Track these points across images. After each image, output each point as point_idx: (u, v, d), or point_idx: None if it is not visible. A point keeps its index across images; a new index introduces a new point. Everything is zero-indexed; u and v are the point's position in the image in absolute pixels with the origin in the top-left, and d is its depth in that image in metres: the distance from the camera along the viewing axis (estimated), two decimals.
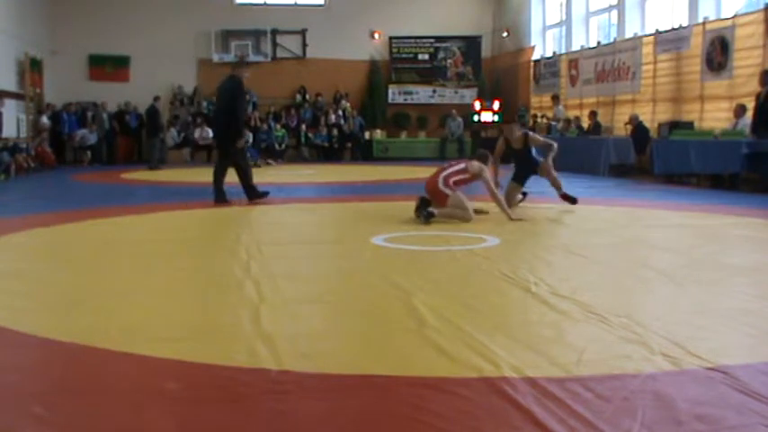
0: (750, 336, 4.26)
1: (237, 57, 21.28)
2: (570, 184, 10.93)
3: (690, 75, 17.17)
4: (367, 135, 25.92)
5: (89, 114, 24.15)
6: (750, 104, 14.33)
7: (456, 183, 9.20)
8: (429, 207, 8.96)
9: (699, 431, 2.91)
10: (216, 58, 25.55)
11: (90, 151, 23.65)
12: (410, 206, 9.33)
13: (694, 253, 7.18)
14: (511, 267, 6.12)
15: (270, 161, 22.55)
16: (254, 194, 11.58)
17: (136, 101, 24.33)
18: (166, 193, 13.82)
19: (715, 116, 16.16)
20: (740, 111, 14.66)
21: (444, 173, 9.30)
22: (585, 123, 20.17)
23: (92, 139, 23.64)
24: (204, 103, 25.10)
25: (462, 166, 9.49)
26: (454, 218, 8.98)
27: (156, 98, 22.19)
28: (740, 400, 3.20)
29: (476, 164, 9.40)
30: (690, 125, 16.22)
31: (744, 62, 15.39)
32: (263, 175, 17.63)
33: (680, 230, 8.69)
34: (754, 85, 14.42)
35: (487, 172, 9.41)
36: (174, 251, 7.37)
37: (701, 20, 16.80)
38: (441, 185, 9.13)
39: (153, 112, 21.70)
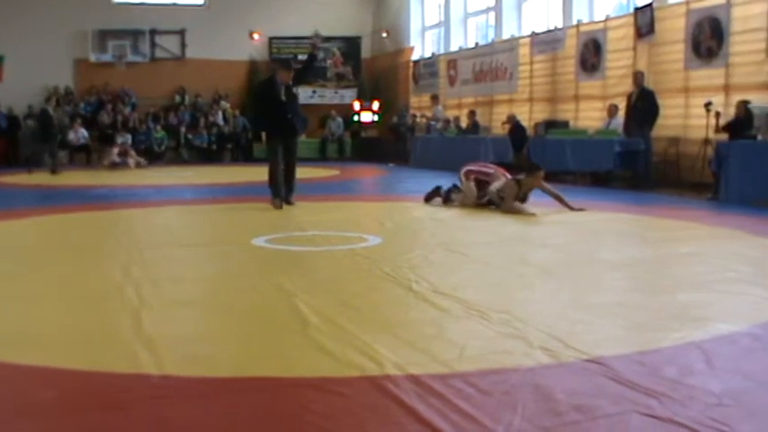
0: (624, 328, 4.39)
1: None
2: (449, 184, 11.06)
3: (565, 75, 17.60)
4: (248, 135, 25.64)
5: None
6: (622, 104, 14.79)
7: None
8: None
9: (576, 421, 2.97)
10: (93, 58, 24.94)
11: None
12: (291, 206, 9.34)
13: (571, 249, 7.36)
14: (392, 266, 6.15)
15: (141, 161, 21.69)
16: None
17: (10, 102, 23.50)
18: (41, 196, 13.44)
19: (589, 115, 16.61)
20: (613, 110, 15.12)
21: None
22: (464, 123, 20.44)
23: None
24: (81, 104, 24.46)
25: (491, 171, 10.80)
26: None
27: (48, 99, 21.29)
28: (615, 390, 3.29)
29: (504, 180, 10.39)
30: (565, 124, 16.63)
31: (616, 63, 15.87)
32: (141, 178, 17.33)
33: (558, 227, 8.89)
34: (626, 86, 14.89)
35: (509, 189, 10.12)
36: (51, 257, 7.14)
37: (575, 22, 17.25)
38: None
39: (45, 116, 20.23)
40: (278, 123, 10.67)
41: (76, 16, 24.54)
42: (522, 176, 10.24)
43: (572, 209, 10.03)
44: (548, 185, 10.42)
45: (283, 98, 10.69)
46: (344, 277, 5.99)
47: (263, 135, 11.07)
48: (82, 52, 25.04)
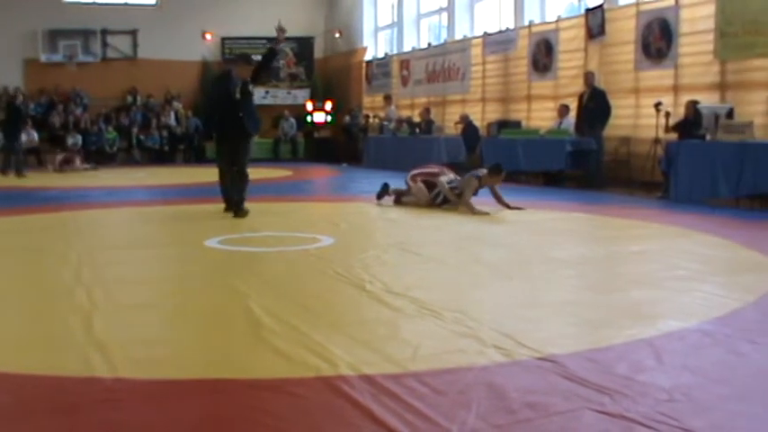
0: (576, 325, 4.43)
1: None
2: (401, 184, 11.09)
3: (517, 75, 17.70)
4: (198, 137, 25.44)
5: None
6: (573, 104, 14.92)
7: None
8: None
9: (530, 418, 2.99)
10: (44, 58, 24.57)
11: None
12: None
13: (524, 248, 7.41)
14: (345, 266, 6.14)
15: (87, 166, 21.26)
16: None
17: None
18: None
19: (541, 115, 16.73)
20: (563, 110, 15.25)
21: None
22: (417, 119, 20.42)
23: None
24: (32, 105, 24.10)
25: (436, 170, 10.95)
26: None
27: (16, 95, 20.59)
28: (568, 387, 3.32)
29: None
30: (518, 124, 16.73)
31: (567, 64, 16.01)
32: (93, 180, 17.14)
33: (510, 226, 8.94)
34: (577, 86, 15.03)
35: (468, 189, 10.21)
36: None
37: (526, 23, 17.35)
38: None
39: (16, 111, 18.98)
40: (228, 123, 9.92)
41: (26, 16, 24.15)
42: (482, 173, 10.30)
43: (509, 207, 10.18)
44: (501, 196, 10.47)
45: (237, 96, 9.93)
46: (298, 278, 5.98)
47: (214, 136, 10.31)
48: (32, 52, 24.65)
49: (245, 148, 10.06)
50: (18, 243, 8.08)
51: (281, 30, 10.99)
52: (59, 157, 20.68)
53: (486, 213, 9.71)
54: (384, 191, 11.13)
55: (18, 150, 18.56)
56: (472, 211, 9.78)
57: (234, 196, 9.83)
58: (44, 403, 3.24)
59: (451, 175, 10.51)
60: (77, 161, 20.74)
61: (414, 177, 10.79)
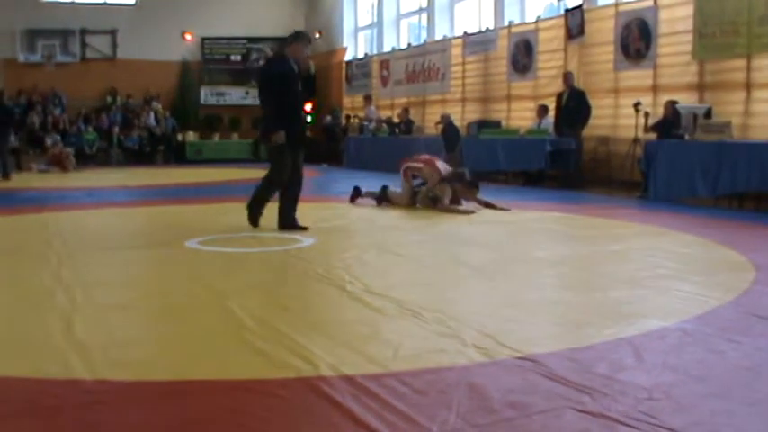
0: (556, 325, 4.45)
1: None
2: (382, 184, 11.10)
3: (497, 76, 17.74)
4: (180, 137, 25.39)
5: None
6: (552, 105, 14.96)
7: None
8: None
9: (511, 418, 3.00)
10: (22, 58, 24.44)
11: None
12: (224, 208, 9.26)
13: (504, 247, 7.43)
14: (325, 267, 6.14)
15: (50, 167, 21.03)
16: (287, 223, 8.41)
17: None
18: None
19: (521, 115, 16.78)
20: (542, 111, 15.30)
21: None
22: (397, 121, 20.43)
23: None
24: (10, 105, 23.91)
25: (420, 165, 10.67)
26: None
27: (2, 92, 19.78)
28: (548, 386, 3.33)
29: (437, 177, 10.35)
30: (497, 124, 16.77)
31: (546, 64, 16.06)
32: (74, 181, 17.04)
33: (491, 226, 8.95)
34: (557, 86, 15.08)
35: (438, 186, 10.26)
36: None
37: (506, 23, 17.40)
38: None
39: (4, 111, 18.07)
40: (296, 123, 8.49)
41: (4, 15, 23.95)
42: (455, 185, 10.30)
43: (495, 208, 10.22)
44: (482, 199, 10.48)
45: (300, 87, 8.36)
46: (278, 278, 5.97)
47: (275, 137, 8.31)
48: (10, 52, 24.49)
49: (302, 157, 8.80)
50: None
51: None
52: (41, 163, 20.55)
53: (471, 212, 9.75)
54: (356, 194, 11.15)
55: (5, 152, 17.78)
56: (457, 212, 9.80)
57: (290, 212, 8.41)
58: (22, 405, 3.22)
59: (435, 178, 10.40)
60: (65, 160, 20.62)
61: (406, 172, 10.74)
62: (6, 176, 17.01)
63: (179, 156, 24.92)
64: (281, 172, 8.37)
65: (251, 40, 26.57)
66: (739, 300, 4.99)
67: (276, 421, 3.02)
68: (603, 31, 14.56)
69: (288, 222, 8.32)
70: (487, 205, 10.30)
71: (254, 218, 8.41)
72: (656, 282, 5.59)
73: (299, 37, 8.65)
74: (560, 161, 13.99)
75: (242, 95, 26.55)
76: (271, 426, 2.97)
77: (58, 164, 20.32)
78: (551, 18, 16.38)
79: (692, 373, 3.55)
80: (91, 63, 25.38)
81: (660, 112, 12.58)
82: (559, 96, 14.58)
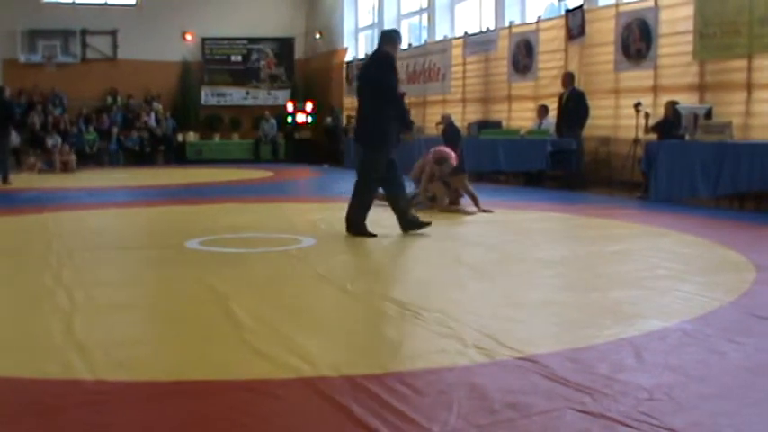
0: (556, 325, 4.44)
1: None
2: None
3: (497, 76, 17.72)
4: (180, 137, 25.38)
5: None
6: (553, 105, 14.95)
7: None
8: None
9: (511, 418, 2.99)
10: (23, 58, 24.43)
11: None
12: (225, 208, 9.25)
13: (504, 248, 7.42)
14: (326, 267, 6.14)
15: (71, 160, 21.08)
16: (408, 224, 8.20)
17: None
18: None
19: (522, 116, 16.75)
20: (542, 111, 15.29)
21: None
22: None
23: None
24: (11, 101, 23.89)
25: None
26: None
27: (3, 88, 18.30)
28: (549, 387, 3.32)
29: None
30: (498, 124, 16.74)
31: (547, 65, 16.04)
32: (74, 181, 17.05)
33: (491, 226, 8.95)
34: (558, 87, 15.04)
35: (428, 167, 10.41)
36: None
37: (507, 24, 17.38)
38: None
39: (4, 106, 16.77)
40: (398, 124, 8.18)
41: (5, 16, 23.96)
42: (446, 177, 10.31)
43: (481, 210, 10.16)
44: (468, 186, 10.44)
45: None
46: (278, 279, 5.96)
47: (408, 135, 8.52)
48: (11, 53, 24.48)
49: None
50: None
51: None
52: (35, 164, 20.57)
53: (471, 212, 9.75)
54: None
55: (6, 152, 16.80)
56: (457, 212, 9.81)
57: (406, 213, 8.23)
58: (23, 406, 3.22)
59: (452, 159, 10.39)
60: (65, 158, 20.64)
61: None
62: (6, 180, 16.41)
63: (179, 156, 24.91)
64: (378, 170, 8.08)
65: (251, 40, 26.57)
66: (740, 300, 4.98)
67: (276, 421, 3.02)
68: (604, 32, 14.54)
69: (410, 224, 8.13)
70: (473, 198, 10.27)
71: (363, 228, 8.03)
72: (657, 282, 5.58)
73: (398, 37, 8.47)
74: (561, 162, 13.98)
75: (242, 96, 26.54)
76: (271, 426, 2.97)
77: (61, 164, 20.38)
78: (552, 18, 16.36)
79: (692, 373, 3.54)
80: (91, 63, 25.37)
81: (661, 112, 12.56)
82: (560, 97, 14.57)
